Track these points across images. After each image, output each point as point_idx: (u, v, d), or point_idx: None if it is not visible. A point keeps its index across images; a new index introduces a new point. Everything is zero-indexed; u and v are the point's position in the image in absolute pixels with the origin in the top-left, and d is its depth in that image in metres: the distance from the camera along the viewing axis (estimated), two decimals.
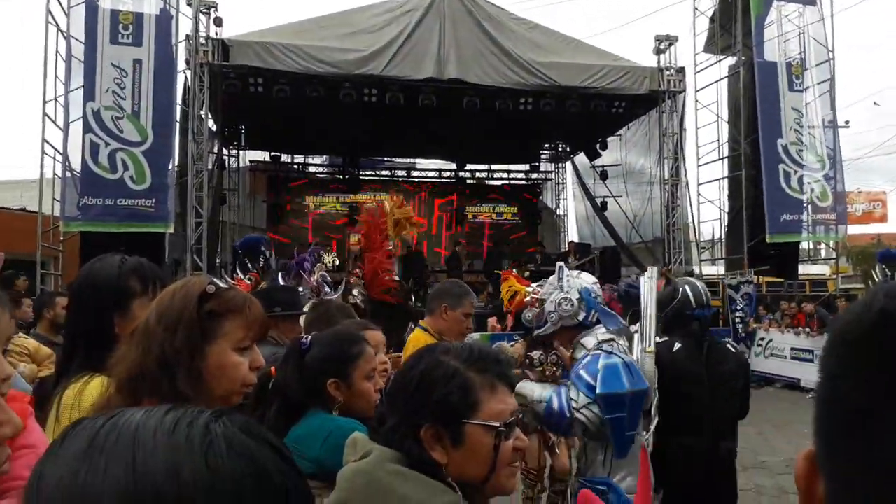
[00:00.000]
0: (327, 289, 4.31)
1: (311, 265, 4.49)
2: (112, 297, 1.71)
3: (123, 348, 1.43)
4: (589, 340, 2.80)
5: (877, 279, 8.58)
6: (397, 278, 5.09)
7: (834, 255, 16.37)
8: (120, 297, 1.72)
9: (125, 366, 1.38)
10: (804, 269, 16.85)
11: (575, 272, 3.16)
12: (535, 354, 2.96)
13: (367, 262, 4.87)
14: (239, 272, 6.16)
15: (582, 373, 2.67)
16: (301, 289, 4.48)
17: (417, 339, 3.38)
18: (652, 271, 2.91)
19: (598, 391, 2.58)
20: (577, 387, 2.66)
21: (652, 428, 2.77)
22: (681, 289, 3.46)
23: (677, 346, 3.40)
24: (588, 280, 3.07)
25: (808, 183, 14.04)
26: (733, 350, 3.76)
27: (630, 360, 2.71)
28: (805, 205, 13.99)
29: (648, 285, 2.82)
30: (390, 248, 5.33)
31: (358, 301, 5.13)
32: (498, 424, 1.34)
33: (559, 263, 3.26)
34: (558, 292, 2.97)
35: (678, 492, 3.11)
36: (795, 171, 13.99)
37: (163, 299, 1.46)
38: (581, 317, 2.89)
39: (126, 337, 1.46)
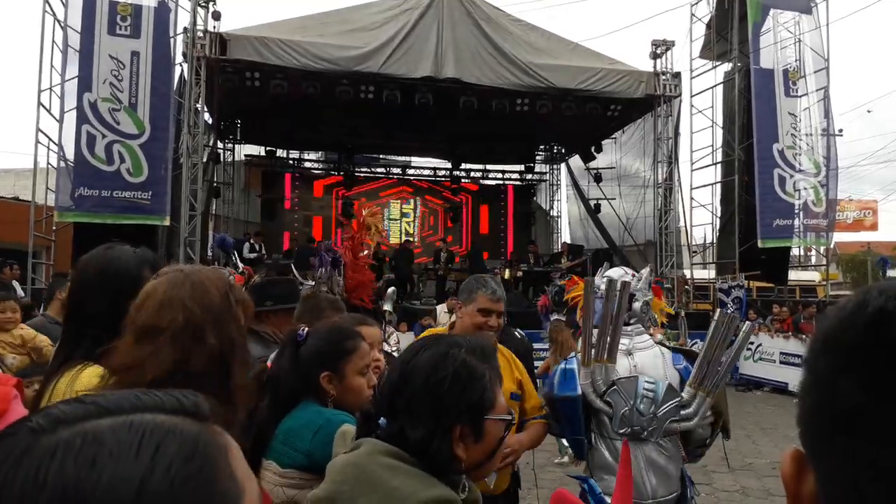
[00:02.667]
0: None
1: (327, 263, 4.53)
2: (130, 286, 1.69)
3: (145, 349, 1.37)
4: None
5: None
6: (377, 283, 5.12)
7: (824, 262, 16.49)
8: (136, 286, 1.69)
9: (156, 365, 1.33)
10: (794, 275, 16.96)
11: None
12: None
13: (350, 274, 4.85)
14: (239, 263, 6.24)
15: None
16: (311, 283, 4.51)
17: None
18: (617, 284, 2.90)
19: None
20: None
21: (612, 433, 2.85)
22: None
23: None
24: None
25: (804, 188, 14.15)
26: (518, 336, 4.00)
27: (570, 368, 2.87)
28: (797, 210, 14.11)
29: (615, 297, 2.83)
30: (365, 252, 5.34)
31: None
32: (510, 417, 1.40)
33: (651, 265, 3.29)
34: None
35: None
36: (791, 176, 14.10)
37: (201, 295, 1.43)
38: None
39: (136, 335, 1.40)
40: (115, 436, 0.48)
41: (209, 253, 13.68)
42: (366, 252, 5.37)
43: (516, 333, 4.06)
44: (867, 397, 0.49)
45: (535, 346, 8.59)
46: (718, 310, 3.03)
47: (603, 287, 2.83)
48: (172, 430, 0.50)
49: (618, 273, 3.17)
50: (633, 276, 3.14)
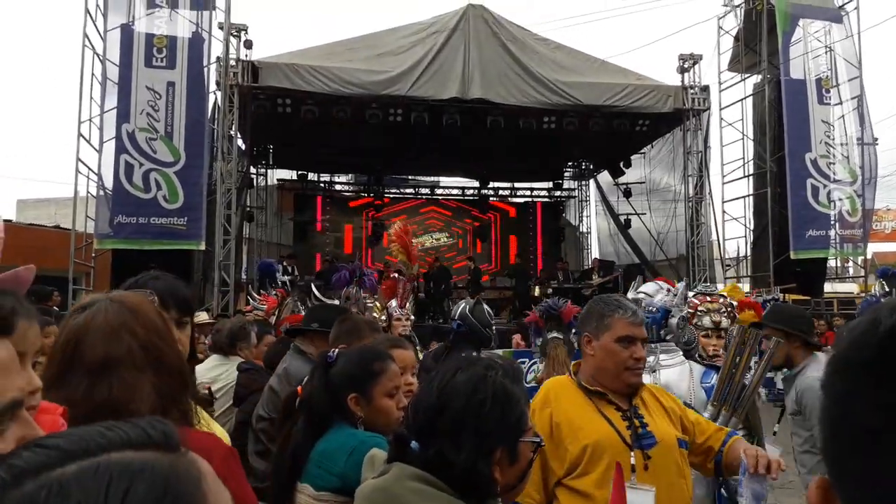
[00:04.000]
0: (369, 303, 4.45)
1: (373, 284, 4.60)
2: None
3: (109, 385, 1.31)
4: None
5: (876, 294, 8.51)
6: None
7: (862, 273, 16.11)
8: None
9: (148, 402, 1.31)
10: (832, 288, 16.58)
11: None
12: None
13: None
14: (268, 288, 6.36)
15: None
16: (337, 303, 4.59)
17: (555, 386, 2.37)
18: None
19: None
20: None
21: None
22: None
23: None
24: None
25: (839, 198, 13.88)
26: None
27: None
28: (832, 221, 13.83)
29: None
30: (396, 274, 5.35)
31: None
32: (539, 439, 1.41)
33: (686, 279, 3.28)
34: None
35: None
36: (824, 186, 13.83)
37: (144, 319, 1.40)
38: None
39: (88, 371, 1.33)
40: (82, 485, 0.45)
41: (243, 276, 13.89)
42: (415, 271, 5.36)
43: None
44: (884, 417, 0.48)
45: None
46: (735, 325, 2.94)
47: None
48: (142, 468, 0.47)
49: (652, 288, 3.12)
50: (668, 290, 3.08)
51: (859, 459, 0.50)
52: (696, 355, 3.04)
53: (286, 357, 3.33)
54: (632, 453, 2.11)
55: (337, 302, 4.85)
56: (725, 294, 3.50)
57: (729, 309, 3.27)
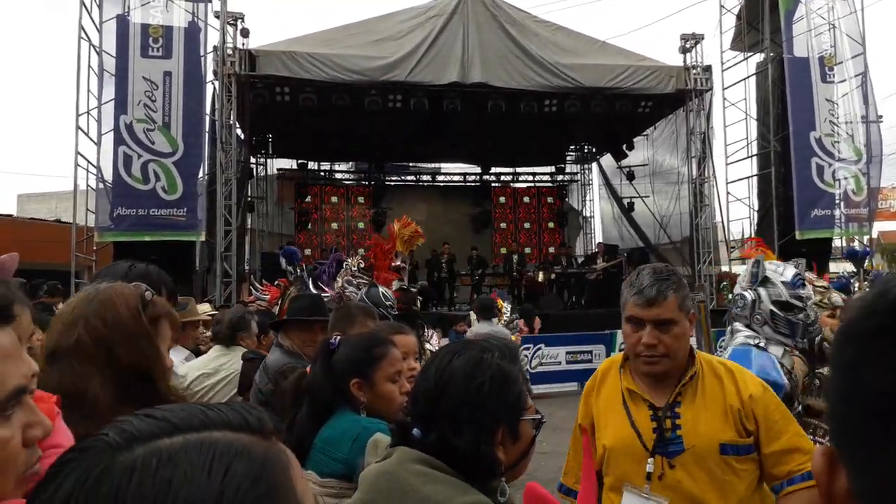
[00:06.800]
0: (351, 289, 4.44)
1: (332, 274, 4.61)
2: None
3: (53, 373, 1.37)
4: None
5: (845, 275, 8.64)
6: (405, 287, 5.19)
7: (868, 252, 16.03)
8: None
9: (58, 388, 1.31)
10: (837, 267, 16.50)
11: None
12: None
13: (375, 277, 5.00)
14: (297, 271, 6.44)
15: None
16: (325, 295, 4.60)
17: (607, 369, 2.18)
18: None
19: None
20: None
21: None
22: None
23: None
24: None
25: (844, 177, 13.79)
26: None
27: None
28: (837, 200, 13.74)
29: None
30: (397, 262, 5.50)
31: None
32: (540, 416, 1.41)
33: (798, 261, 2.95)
34: None
35: None
36: (829, 165, 13.74)
37: (106, 311, 1.44)
38: None
39: (46, 359, 1.40)
40: (188, 456, 0.49)
41: (245, 267, 13.86)
42: (400, 262, 5.46)
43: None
44: (893, 384, 0.48)
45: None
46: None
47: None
48: (240, 451, 0.51)
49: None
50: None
51: (871, 425, 0.50)
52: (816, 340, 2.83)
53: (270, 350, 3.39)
54: (650, 460, 1.91)
55: (329, 292, 4.89)
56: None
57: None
